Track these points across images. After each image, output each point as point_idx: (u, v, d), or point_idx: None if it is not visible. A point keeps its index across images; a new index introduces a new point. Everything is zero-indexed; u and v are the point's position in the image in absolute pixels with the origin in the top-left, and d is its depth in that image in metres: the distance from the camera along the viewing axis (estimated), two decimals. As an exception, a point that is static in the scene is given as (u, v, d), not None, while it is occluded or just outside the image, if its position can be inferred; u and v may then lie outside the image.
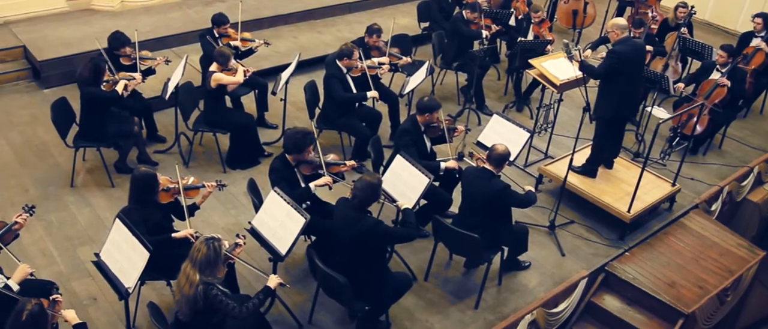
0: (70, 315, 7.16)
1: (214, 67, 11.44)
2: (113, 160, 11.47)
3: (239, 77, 11.56)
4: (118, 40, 11.92)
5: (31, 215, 8.30)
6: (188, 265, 7.19)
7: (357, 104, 12.16)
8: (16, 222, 8.07)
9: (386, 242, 9.05)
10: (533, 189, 9.83)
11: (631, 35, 12.04)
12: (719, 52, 13.20)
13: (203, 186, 9.07)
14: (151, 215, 8.47)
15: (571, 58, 11.56)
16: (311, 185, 9.37)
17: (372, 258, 8.46)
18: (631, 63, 10.92)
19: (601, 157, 11.77)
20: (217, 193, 9.58)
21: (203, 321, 7.31)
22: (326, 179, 9.45)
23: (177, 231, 8.64)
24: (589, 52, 13.76)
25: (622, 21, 11.19)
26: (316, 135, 9.90)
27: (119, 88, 11.01)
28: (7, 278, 7.65)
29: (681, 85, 13.54)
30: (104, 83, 10.96)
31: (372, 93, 11.98)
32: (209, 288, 7.08)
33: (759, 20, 14.71)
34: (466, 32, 14.06)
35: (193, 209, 8.95)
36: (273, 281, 7.73)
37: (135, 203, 8.48)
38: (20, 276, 7.63)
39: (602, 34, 16.38)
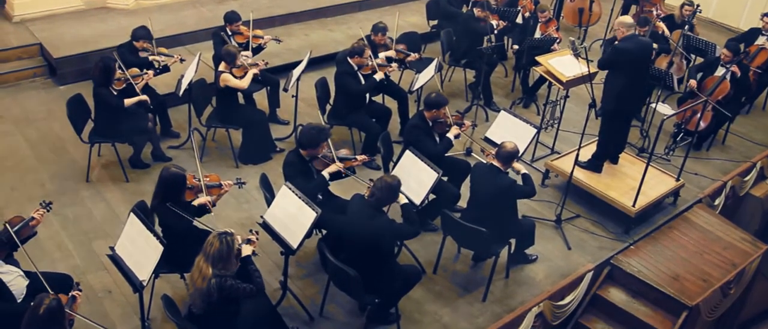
0: None
1: (222, 66, 11.47)
2: (128, 155, 11.47)
3: (245, 83, 11.58)
4: (136, 33, 11.94)
5: (48, 211, 8.30)
6: (201, 259, 7.20)
7: (367, 100, 12.15)
8: (33, 218, 8.07)
9: (397, 239, 9.03)
10: (525, 170, 9.76)
11: (636, 33, 11.98)
12: (724, 51, 13.16)
13: (221, 185, 9.08)
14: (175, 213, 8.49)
15: (577, 55, 11.54)
16: (324, 172, 9.36)
17: (383, 254, 8.44)
18: (634, 59, 10.91)
19: (607, 152, 11.75)
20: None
21: (217, 313, 7.31)
22: (337, 165, 9.43)
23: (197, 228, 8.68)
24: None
25: (628, 19, 11.19)
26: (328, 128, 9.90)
27: (127, 102, 10.99)
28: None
29: (693, 82, 13.42)
30: (116, 81, 10.96)
31: (379, 75, 11.95)
32: (222, 280, 7.08)
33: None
34: (479, 29, 14.00)
35: (211, 205, 8.95)
36: (247, 250, 7.72)
37: (161, 201, 8.48)
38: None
39: (609, 34, 16.38)
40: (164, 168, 8.55)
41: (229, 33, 12.80)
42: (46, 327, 6.43)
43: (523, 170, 9.68)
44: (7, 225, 7.83)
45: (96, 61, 11.05)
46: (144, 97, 11.17)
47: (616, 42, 11.14)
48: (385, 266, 8.49)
